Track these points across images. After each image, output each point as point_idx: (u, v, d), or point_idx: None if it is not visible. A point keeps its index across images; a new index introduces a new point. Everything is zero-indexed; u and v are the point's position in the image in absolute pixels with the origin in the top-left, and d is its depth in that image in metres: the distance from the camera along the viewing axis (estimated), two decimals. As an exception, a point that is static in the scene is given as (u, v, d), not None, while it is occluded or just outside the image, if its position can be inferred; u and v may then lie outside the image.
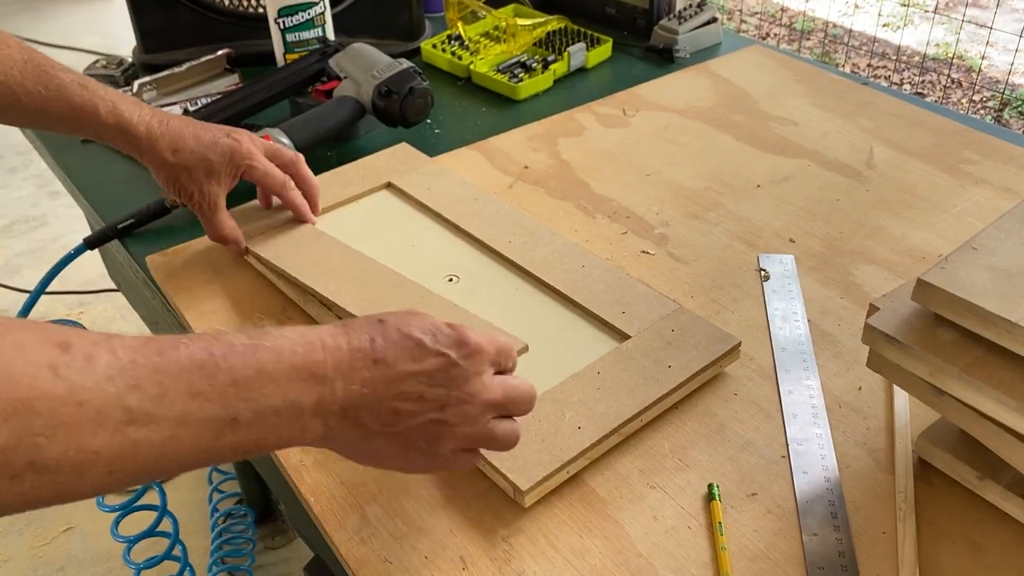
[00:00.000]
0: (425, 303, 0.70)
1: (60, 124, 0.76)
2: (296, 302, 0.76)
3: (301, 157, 0.83)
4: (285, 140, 0.91)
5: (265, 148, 0.81)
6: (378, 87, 0.96)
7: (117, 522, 1.11)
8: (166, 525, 1.12)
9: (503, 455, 0.59)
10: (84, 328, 0.44)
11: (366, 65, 0.99)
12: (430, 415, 0.49)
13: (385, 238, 0.83)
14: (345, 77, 1.00)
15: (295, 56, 1.09)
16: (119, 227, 0.88)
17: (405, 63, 0.98)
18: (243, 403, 0.43)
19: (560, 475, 0.59)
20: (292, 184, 0.82)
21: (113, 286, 1.29)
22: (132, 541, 1.10)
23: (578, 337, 0.71)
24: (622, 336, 0.69)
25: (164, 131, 0.77)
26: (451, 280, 0.77)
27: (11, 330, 0.38)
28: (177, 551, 1.16)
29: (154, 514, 1.10)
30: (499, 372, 0.53)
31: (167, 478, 0.40)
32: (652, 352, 0.67)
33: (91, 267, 1.44)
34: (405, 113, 0.97)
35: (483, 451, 0.59)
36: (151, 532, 1.10)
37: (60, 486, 0.38)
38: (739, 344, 0.68)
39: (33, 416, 0.37)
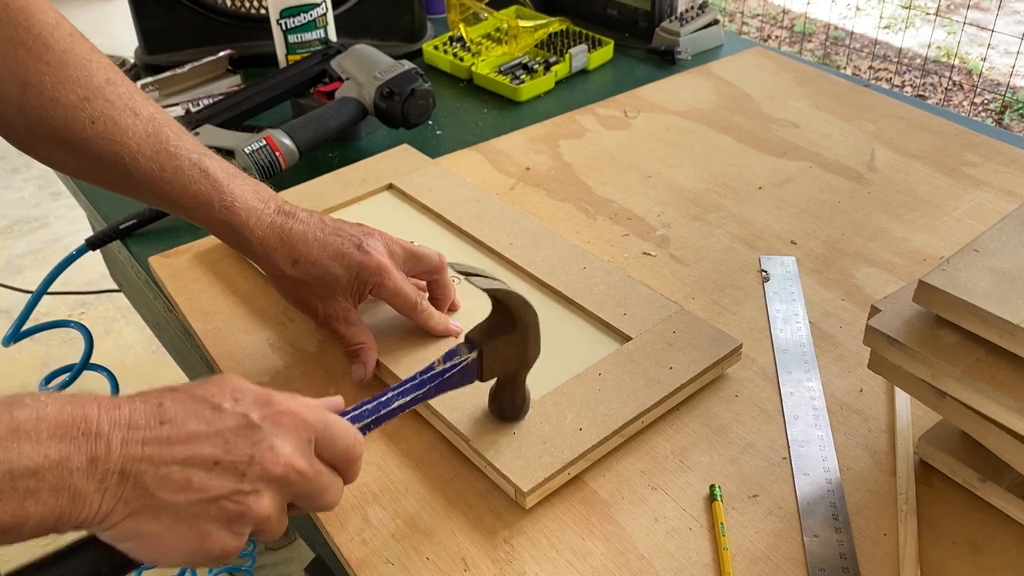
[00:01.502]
0: (433, 337, 0.70)
1: (174, 208, 0.66)
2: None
3: (444, 260, 0.71)
4: (287, 140, 0.91)
5: (405, 254, 0.69)
6: (380, 88, 0.96)
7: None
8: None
9: (507, 457, 0.59)
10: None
11: (368, 67, 0.99)
12: (228, 482, 0.43)
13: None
14: (347, 79, 1.00)
15: (297, 57, 1.09)
16: (121, 228, 0.88)
17: (407, 64, 0.99)
18: None
19: (561, 476, 0.59)
20: (425, 304, 0.69)
21: (115, 286, 1.30)
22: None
23: (579, 339, 0.71)
24: (623, 338, 0.70)
25: (283, 238, 0.66)
26: (452, 281, 0.77)
27: None
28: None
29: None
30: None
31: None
32: (653, 354, 0.67)
33: (93, 268, 1.45)
34: (407, 114, 0.97)
35: (479, 451, 0.59)
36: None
37: None
38: (740, 346, 0.68)
39: None
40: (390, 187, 0.90)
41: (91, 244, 0.90)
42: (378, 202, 0.89)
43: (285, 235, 0.66)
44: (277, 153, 0.90)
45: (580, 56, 1.19)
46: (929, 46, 3.15)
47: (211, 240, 0.85)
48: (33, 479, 0.38)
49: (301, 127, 0.94)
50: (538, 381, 0.65)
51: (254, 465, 0.44)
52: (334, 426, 0.49)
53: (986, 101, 3.04)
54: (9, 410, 0.39)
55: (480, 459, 0.61)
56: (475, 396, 0.64)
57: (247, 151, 0.89)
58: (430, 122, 1.09)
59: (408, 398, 0.56)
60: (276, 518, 0.46)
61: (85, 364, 0.97)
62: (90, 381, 0.94)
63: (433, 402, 0.63)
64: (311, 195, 0.88)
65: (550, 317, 0.73)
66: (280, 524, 0.47)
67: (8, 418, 0.39)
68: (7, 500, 0.37)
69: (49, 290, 0.92)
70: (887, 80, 3.12)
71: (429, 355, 0.68)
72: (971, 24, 3.04)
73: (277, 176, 0.92)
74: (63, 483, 0.39)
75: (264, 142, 0.90)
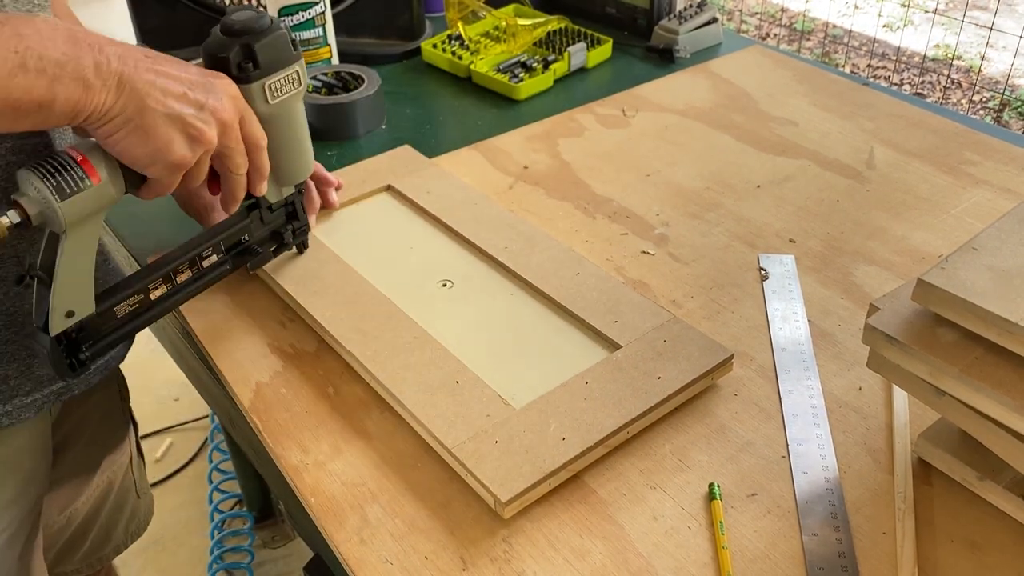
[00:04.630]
0: (420, 343, 0.70)
1: None
2: (295, 308, 0.76)
3: None
4: None
5: None
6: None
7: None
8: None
9: (488, 466, 0.59)
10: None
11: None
12: (192, 109, 0.56)
13: (383, 241, 0.83)
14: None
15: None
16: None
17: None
18: (28, 50, 0.48)
19: (543, 486, 0.59)
20: None
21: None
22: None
23: (568, 346, 0.70)
24: (613, 346, 0.69)
25: None
26: (445, 285, 0.77)
27: None
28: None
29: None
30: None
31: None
32: (642, 363, 0.67)
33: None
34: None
35: (460, 459, 0.59)
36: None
37: None
38: (731, 357, 0.68)
39: None
40: (388, 188, 0.90)
41: None
42: (376, 203, 0.89)
43: None
44: None
45: (579, 54, 1.19)
46: (936, 46, 3.15)
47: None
48: (58, 67, 0.50)
49: None
50: (525, 388, 0.65)
51: (208, 105, 0.58)
52: (254, 117, 0.63)
53: (985, 99, 3.04)
54: (32, 20, 0.50)
55: (461, 467, 0.60)
56: (458, 405, 0.64)
57: None
58: (427, 125, 1.09)
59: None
60: (207, 156, 0.59)
61: None
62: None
63: (414, 410, 0.63)
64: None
65: (540, 323, 0.73)
66: (204, 167, 0.60)
67: (34, 24, 0.50)
68: (42, 78, 0.49)
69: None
70: (886, 78, 3.12)
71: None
72: (970, 22, 3.04)
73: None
74: (79, 74, 0.50)
75: None
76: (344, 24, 1.20)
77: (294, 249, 0.79)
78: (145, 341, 0.96)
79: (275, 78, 0.64)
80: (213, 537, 1.53)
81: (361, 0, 1.22)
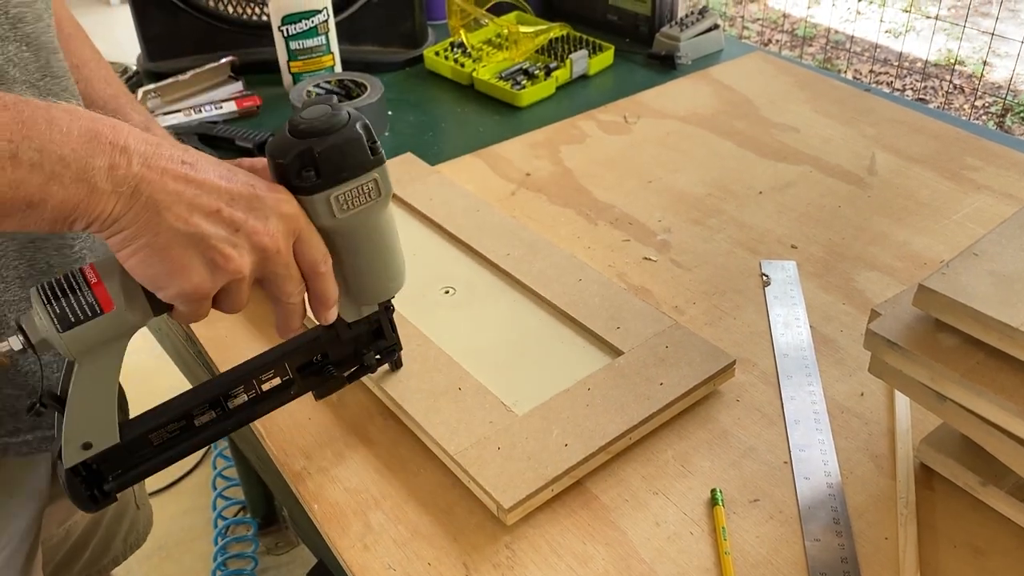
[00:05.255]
0: (422, 350, 0.69)
1: None
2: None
3: None
4: None
5: None
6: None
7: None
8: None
9: (490, 472, 0.59)
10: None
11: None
12: (223, 231, 0.48)
13: None
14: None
15: (299, 64, 1.09)
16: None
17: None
18: (26, 141, 0.42)
19: (545, 493, 0.59)
20: None
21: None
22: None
23: (571, 352, 0.70)
24: (615, 352, 0.69)
25: None
26: (447, 292, 0.77)
27: None
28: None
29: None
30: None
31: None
32: (644, 369, 0.67)
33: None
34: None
35: (463, 466, 0.59)
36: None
37: None
38: (733, 363, 0.68)
39: None
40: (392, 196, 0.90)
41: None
42: None
43: None
44: None
45: (581, 61, 1.19)
46: (938, 52, 3.16)
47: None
48: (60, 164, 0.43)
49: None
50: (528, 395, 0.66)
51: (247, 227, 0.49)
52: (314, 236, 0.53)
53: (987, 104, 3.04)
54: (48, 108, 0.44)
55: (464, 474, 0.60)
56: (461, 411, 0.64)
57: None
58: (429, 133, 1.10)
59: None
60: (245, 285, 0.51)
61: None
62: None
63: (417, 417, 0.64)
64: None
65: (543, 329, 0.73)
66: (241, 296, 0.51)
67: (47, 113, 0.44)
68: (35, 174, 0.43)
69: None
70: (888, 84, 3.12)
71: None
72: (972, 28, 3.04)
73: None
74: (84, 175, 0.44)
75: None
76: (347, 32, 1.21)
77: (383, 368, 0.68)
78: (149, 349, 0.96)
79: (343, 189, 0.53)
80: (217, 544, 1.53)
81: (364, 8, 1.23)
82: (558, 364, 0.69)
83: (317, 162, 0.52)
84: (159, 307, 0.50)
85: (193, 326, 0.76)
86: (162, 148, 0.47)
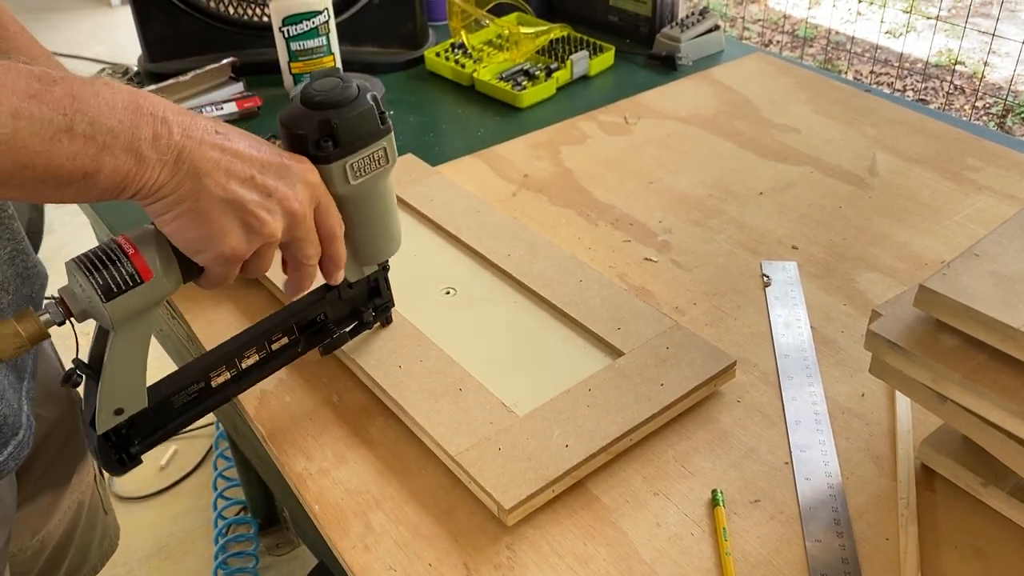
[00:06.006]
0: (423, 350, 0.69)
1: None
2: None
3: None
4: None
5: None
6: None
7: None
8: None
9: (491, 473, 0.59)
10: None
11: None
12: (257, 196, 0.51)
13: None
14: None
15: (299, 65, 1.09)
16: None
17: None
18: (79, 114, 0.44)
19: (545, 494, 0.59)
20: None
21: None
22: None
23: (572, 352, 0.70)
24: (616, 353, 0.69)
25: None
26: (448, 292, 0.77)
27: None
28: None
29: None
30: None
31: (15, 182, 0.44)
32: (645, 370, 0.67)
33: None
34: None
35: (464, 466, 0.59)
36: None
37: None
38: (734, 363, 0.68)
39: None
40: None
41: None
42: None
43: None
44: None
45: (581, 62, 1.19)
46: (939, 53, 3.16)
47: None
48: (110, 135, 0.45)
49: None
50: (528, 395, 0.66)
51: (278, 193, 0.52)
52: (332, 203, 0.56)
53: (988, 105, 3.04)
54: (92, 83, 0.46)
55: (464, 474, 0.60)
56: (462, 412, 0.64)
57: None
58: (430, 134, 1.10)
59: None
60: (274, 248, 0.54)
61: None
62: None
63: (418, 417, 0.64)
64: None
65: (543, 330, 0.73)
66: (268, 259, 0.54)
67: (92, 87, 0.46)
68: (89, 146, 0.45)
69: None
70: (888, 84, 3.12)
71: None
72: (973, 28, 3.04)
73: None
74: (132, 145, 0.46)
75: None
76: (348, 33, 1.21)
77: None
78: (151, 349, 0.97)
79: (357, 157, 0.56)
80: (217, 544, 1.53)
81: (365, 9, 1.23)
82: (559, 365, 0.69)
83: (335, 132, 0.55)
84: (189, 274, 0.52)
85: (194, 326, 0.76)
86: (197, 119, 0.49)
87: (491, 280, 0.79)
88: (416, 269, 0.81)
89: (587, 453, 0.60)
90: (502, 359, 0.70)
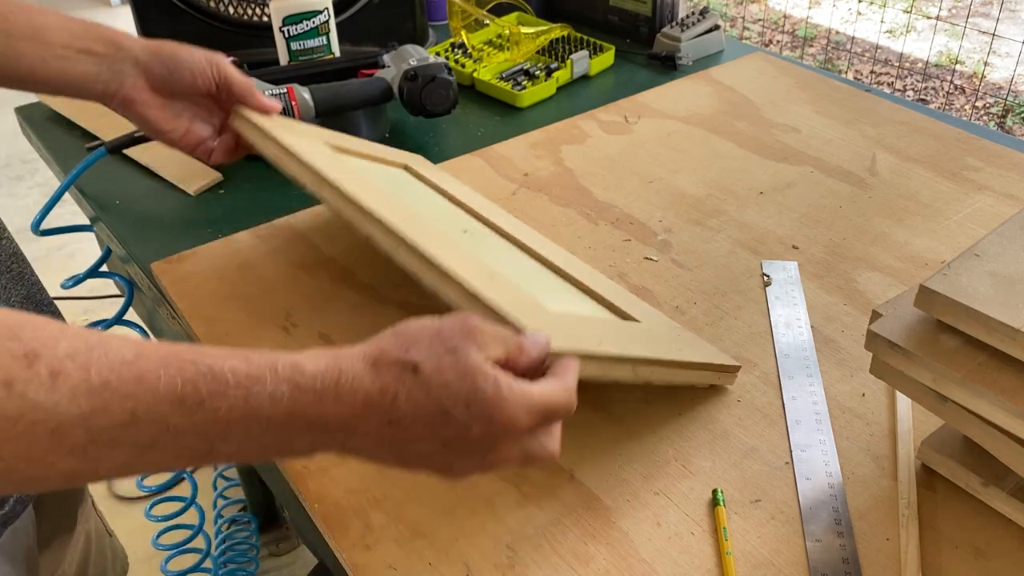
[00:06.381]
0: (449, 247, 0.62)
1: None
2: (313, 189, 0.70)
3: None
4: (307, 95, 0.95)
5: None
6: (406, 72, 1.00)
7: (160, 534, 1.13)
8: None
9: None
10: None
11: (406, 56, 1.03)
12: (437, 462, 0.46)
13: (401, 194, 0.79)
14: (388, 67, 1.03)
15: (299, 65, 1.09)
16: (137, 136, 0.93)
17: (440, 59, 1.01)
18: (222, 441, 0.40)
19: (588, 363, 0.53)
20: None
21: (117, 292, 1.30)
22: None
23: (587, 311, 0.67)
24: (631, 320, 0.67)
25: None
26: (466, 231, 0.74)
27: None
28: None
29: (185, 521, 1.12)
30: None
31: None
32: (662, 336, 0.66)
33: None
34: (425, 100, 0.99)
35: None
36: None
37: (15, 488, 0.38)
38: (738, 368, 0.68)
39: None
40: (406, 168, 0.89)
41: (110, 150, 0.94)
42: (393, 171, 0.85)
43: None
44: (293, 103, 0.94)
45: (581, 62, 1.19)
46: (939, 53, 3.16)
47: (214, 245, 0.85)
48: (261, 451, 0.42)
49: (324, 89, 0.97)
50: (556, 306, 0.61)
51: (461, 468, 0.46)
52: (548, 424, 0.48)
53: (988, 105, 3.04)
54: (246, 399, 0.40)
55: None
56: (494, 293, 0.56)
57: (267, 94, 0.90)
58: (431, 133, 1.10)
59: None
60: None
61: (119, 319, 1.00)
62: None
63: (454, 269, 0.57)
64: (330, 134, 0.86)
65: (559, 288, 0.69)
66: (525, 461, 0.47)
67: (243, 405, 0.40)
68: (237, 457, 0.42)
69: (54, 295, 0.93)
70: (888, 84, 3.12)
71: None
72: (973, 28, 3.04)
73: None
74: (286, 451, 0.43)
75: (284, 90, 0.94)
76: (348, 33, 1.21)
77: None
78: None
79: None
80: (217, 544, 1.53)
81: (365, 9, 1.23)
82: (577, 315, 0.65)
83: None
84: None
85: (193, 324, 0.76)
86: (368, 411, 0.43)
87: (507, 245, 0.75)
88: (431, 214, 0.76)
89: (621, 350, 0.56)
90: (525, 284, 0.63)
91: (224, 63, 0.80)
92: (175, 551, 1.12)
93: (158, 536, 1.11)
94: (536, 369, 0.49)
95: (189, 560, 1.18)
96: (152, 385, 0.39)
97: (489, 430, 0.44)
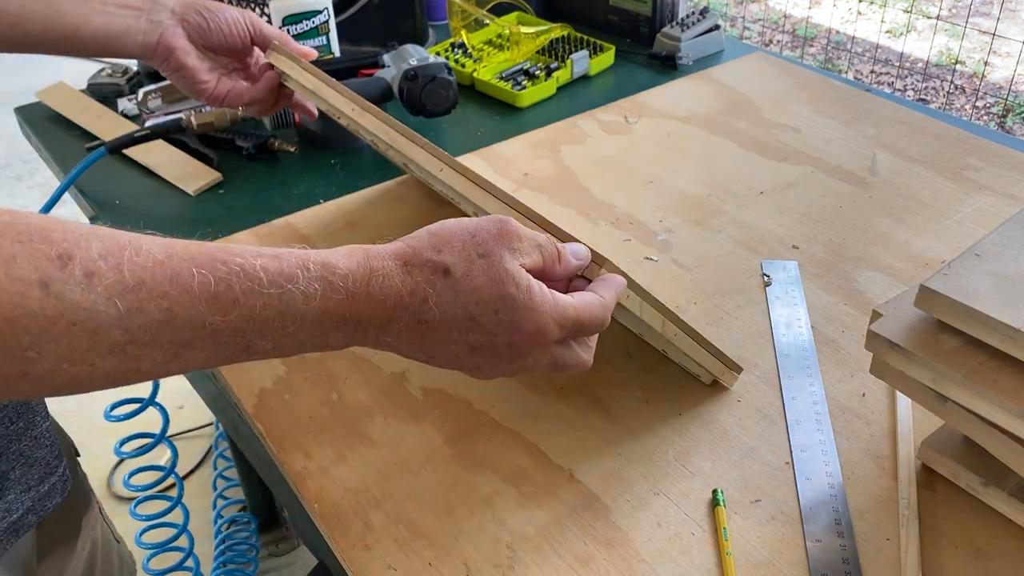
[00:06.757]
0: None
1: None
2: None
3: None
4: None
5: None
6: (406, 72, 1.00)
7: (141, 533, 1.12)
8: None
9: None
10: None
11: (406, 56, 1.03)
12: (466, 363, 0.47)
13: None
14: (388, 67, 1.04)
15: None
16: (137, 136, 0.95)
17: (440, 59, 1.01)
18: (258, 337, 0.41)
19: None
20: None
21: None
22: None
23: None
24: None
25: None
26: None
27: (7, 238, 0.36)
28: (190, 562, 1.18)
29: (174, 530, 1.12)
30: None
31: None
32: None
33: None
34: (425, 100, 1.00)
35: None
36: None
37: (60, 389, 0.38)
38: (741, 369, 0.68)
39: (20, 334, 0.36)
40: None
41: (110, 149, 0.96)
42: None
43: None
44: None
45: (581, 62, 1.19)
46: (939, 53, 3.15)
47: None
48: (296, 346, 0.43)
49: None
50: None
51: (492, 370, 0.48)
52: (580, 335, 0.50)
53: (988, 104, 3.04)
54: (279, 297, 0.41)
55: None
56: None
57: None
58: (431, 133, 1.10)
59: None
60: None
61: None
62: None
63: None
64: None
65: None
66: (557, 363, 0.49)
67: (277, 302, 0.41)
68: (273, 353, 0.43)
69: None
70: (889, 84, 3.12)
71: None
72: (973, 28, 3.04)
73: (289, 129, 1.06)
74: (320, 345, 0.44)
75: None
76: (348, 33, 1.21)
77: None
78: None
79: None
80: (217, 544, 1.53)
81: (365, 9, 1.23)
82: None
83: None
84: None
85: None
86: (399, 311, 0.45)
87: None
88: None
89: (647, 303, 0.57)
90: None
91: (256, 17, 0.84)
92: (156, 550, 1.12)
93: (140, 534, 1.10)
94: (572, 278, 0.51)
95: (179, 559, 1.18)
96: (186, 284, 0.39)
97: (516, 339, 0.45)
